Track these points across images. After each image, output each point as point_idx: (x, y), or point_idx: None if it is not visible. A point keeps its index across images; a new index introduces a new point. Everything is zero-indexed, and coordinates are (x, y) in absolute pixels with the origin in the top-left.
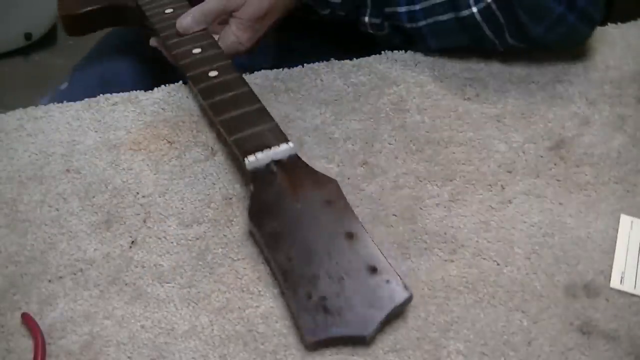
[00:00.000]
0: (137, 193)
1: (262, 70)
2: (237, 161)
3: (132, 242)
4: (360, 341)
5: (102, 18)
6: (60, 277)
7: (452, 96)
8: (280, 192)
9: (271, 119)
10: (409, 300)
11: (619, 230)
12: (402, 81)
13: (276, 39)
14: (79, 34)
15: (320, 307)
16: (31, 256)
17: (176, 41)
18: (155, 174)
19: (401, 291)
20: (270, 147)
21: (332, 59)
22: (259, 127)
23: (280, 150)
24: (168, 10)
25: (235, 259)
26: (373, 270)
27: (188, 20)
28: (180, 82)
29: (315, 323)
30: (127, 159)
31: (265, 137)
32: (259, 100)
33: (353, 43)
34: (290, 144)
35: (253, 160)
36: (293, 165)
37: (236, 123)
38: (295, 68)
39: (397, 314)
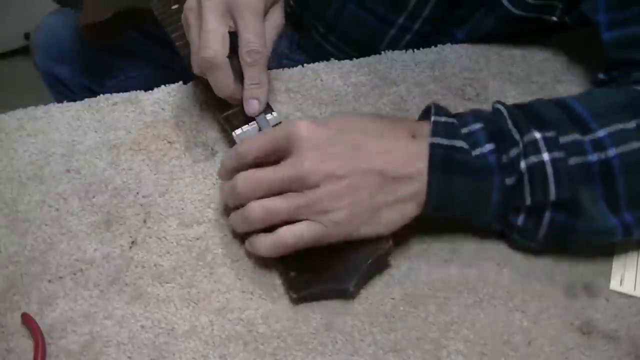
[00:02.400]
0: (137, 193)
1: None
2: None
3: (132, 242)
4: (344, 293)
5: (120, 23)
6: (60, 277)
7: (452, 96)
8: None
9: None
10: (389, 249)
11: None
12: (402, 81)
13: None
14: (101, 41)
15: (305, 265)
16: (31, 256)
17: (181, 34)
18: (155, 174)
19: (383, 242)
20: (256, 117)
21: (332, 59)
22: None
23: (270, 118)
24: (174, 7)
25: (235, 259)
26: None
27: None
28: (180, 82)
29: (298, 280)
30: (127, 159)
31: None
32: None
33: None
34: (274, 114)
35: (240, 133)
36: None
37: (227, 102)
38: (295, 68)
39: (381, 264)
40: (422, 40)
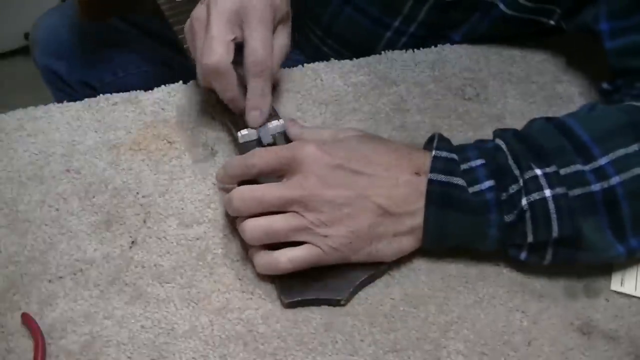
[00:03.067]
0: (137, 193)
1: None
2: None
3: (132, 242)
4: (335, 304)
5: (117, 3)
6: (60, 277)
7: (452, 96)
8: None
9: None
10: (385, 269)
11: None
12: (402, 81)
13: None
14: (95, 20)
15: (300, 271)
16: (31, 256)
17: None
18: (155, 174)
19: (380, 263)
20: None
21: (332, 58)
22: None
23: (272, 127)
24: None
25: (235, 259)
26: None
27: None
28: (180, 82)
29: (291, 285)
30: (127, 159)
31: None
32: None
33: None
34: (281, 121)
35: (245, 134)
36: (283, 140)
37: None
38: (295, 68)
39: (376, 277)
40: (418, 43)
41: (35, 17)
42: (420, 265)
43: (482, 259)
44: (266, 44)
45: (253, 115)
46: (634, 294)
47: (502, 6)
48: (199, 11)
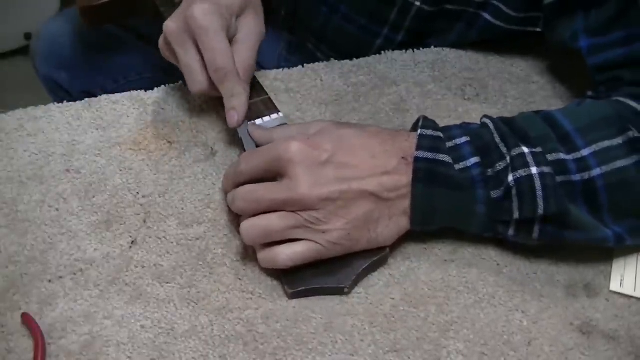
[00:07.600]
0: (137, 193)
1: (263, 70)
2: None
3: (132, 242)
4: (339, 292)
5: (118, 8)
6: (60, 277)
7: (452, 96)
8: None
9: (265, 92)
10: (386, 255)
11: None
12: (402, 81)
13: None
14: (97, 25)
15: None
16: (31, 256)
17: None
18: (155, 174)
19: (381, 248)
20: (261, 117)
21: (332, 59)
22: (253, 100)
23: (271, 120)
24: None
25: (235, 259)
26: None
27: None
28: (180, 82)
29: (295, 275)
30: (127, 158)
31: (257, 108)
32: (255, 77)
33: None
34: (280, 114)
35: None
36: None
37: None
38: (295, 68)
39: (379, 265)
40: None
41: (35, 17)
42: (420, 265)
43: (483, 259)
44: (220, 50)
45: (230, 115)
46: (633, 294)
47: (487, 16)
48: (161, 40)
